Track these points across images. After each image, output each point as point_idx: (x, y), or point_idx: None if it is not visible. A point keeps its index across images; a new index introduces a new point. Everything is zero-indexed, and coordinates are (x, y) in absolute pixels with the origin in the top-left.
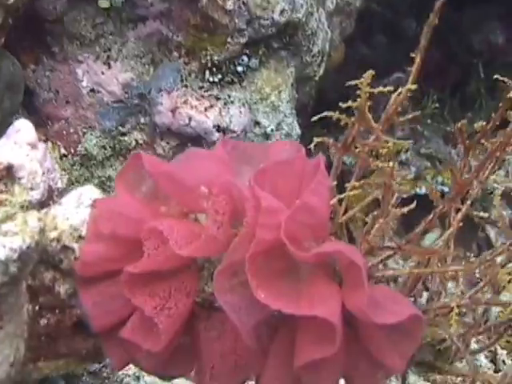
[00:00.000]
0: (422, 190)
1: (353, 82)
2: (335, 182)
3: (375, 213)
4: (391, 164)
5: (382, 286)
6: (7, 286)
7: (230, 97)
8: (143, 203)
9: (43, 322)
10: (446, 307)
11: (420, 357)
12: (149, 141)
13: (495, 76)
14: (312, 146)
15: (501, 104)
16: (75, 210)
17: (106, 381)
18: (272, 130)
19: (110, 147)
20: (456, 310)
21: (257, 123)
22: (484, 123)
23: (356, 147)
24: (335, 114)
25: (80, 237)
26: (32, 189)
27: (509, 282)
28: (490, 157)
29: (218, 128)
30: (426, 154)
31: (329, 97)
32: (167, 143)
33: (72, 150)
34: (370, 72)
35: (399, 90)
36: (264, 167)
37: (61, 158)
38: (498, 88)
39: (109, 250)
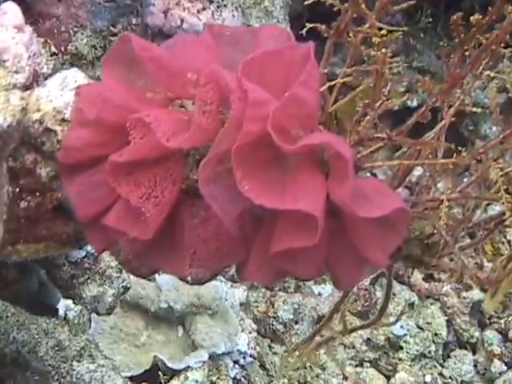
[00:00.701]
0: (414, 103)
1: None
2: (326, 70)
3: (366, 101)
4: (384, 51)
5: (372, 178)
6: None
7: (223, 0)
8: (129, 88)
9: (23, 204)
10: (436, 200)
11: (407, 251)
12: None
13: None
14: (304, 32)
15: None
16: (59, 93)
17: (88, 271)
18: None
19: (100, 47)
20: (445, 203)
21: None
22: (480, 16)
23: (349, 35)
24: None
25: (63, 120)
26: (17, 72)
27: (501, 176)
28: (484, 50)
29: None
30: (418, 68)
31: (323, 9)
32: (158, 44)
33: (62, 49)
34: None
35: None
36: (252, 57)
37: (51, 56)
38: (492, 5)
39: (93, 136)
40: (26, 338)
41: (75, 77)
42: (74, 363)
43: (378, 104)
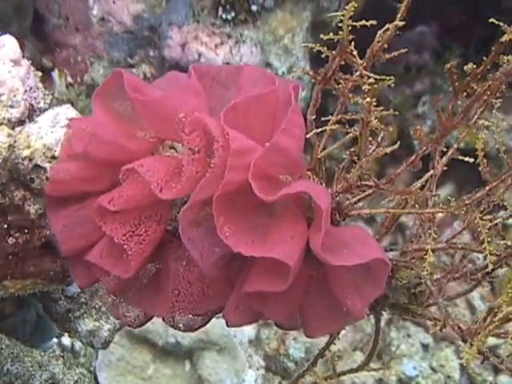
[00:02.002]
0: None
1: (336, 14)
2: (314, 116)
3: (352, 149)
4: (369, 100)
5: (357, 226)
6: None
7: (242, 36)
8: (120, 124)
9: (11, 240)
10: (422, 250)
11: (394, 299)
12: (157, 74)
13: None
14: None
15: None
16: (50, 130)
17: (84, 306)
18: (283, 73)
19: None
20: (431, 254)
21: (268, 64)
22: (474, 66)
23: (338, 82)
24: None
25: (53, 157)
26: (12, 106)
27: (489, 228)
28: (477, 99)
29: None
30: (444, 108)
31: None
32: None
33: (79, 79)
34: (353, 4)
35: (386, 26)
36: (235, 103)
37: (67, 87)
38: None
39: (80, 170)
40: (20, 370)
41: (67, 114)
42: None
43: (369, 152)
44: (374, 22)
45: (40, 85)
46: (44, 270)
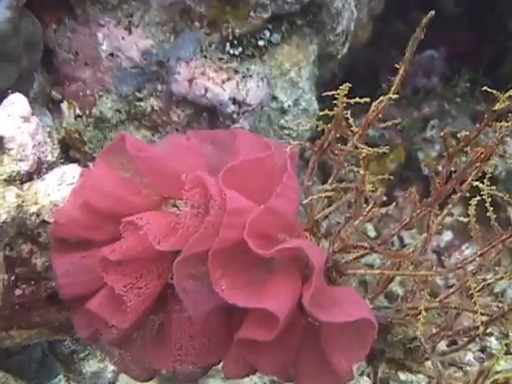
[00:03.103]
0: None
1: (330, 93)
2: (310, 182)
3: (347, 214)
4: (362, 171)
5: (350, 288)
6: None
7: (248, 70)
8: (122, 181)
9: (18, 292)
10: (416, 308)
11: (391, 354)
12: (164, 108)
13: None
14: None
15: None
16: (57, 187)
17: (89, 347)
18: (289, 106)
19: (125, 111)
20: (424, 313)
21: (274, 98)
22: (468, 133)
23: (333, 152)
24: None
25: None
26: (21, 160)
27: (479, 290)
28: (470, 165)
29: (234, 100)
30: (452, 133)
31: (359, 71)
32: (182, 111)
33: (87, 112)
34: (347, 84)
35: (380, 98)
36: (233, 165)
37: (75, 119)
38: None
39: (82, 217)
40: None
41: (73, 172)
42: None
43: (364, 213)
44: (367, 99)
45: (48, 140)
46: (50, 321)
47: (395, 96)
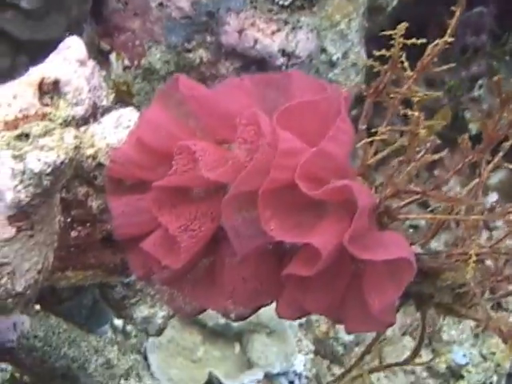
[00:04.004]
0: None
1: (388, 33)
2: (364, 126)
3: (400, 158)
4: (417, 114)
5: (399, 233)
6: (39, 198)
7: (298, 22)
8: (176, 121)
9: (74, 233)
10: (467, 254)
11: (439, 298)
12: (213, 59)
13: None
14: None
15: None
16: (113, 130)
17: (139, 293)
18: (338, 58)
19: (173, 62)
20: (474, 259)
21: (323, 50)
22: None
23: (388, 95)
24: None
25: None
26: (76, 104)
27: None
28: None
29: (284, 52)
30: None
31: (406, 28)
32: (231, 64)
33: (136, 63)
34: (404, 24)
35: (436, 41)
36: (289, 106)
37: (124, 70)
38: None
39: (137, 156)
40: (77, 354)
41: (130, 116)
42: (122, 381)
43: (416, 158)
44: (423, 41)
45: (104, 84)
46: (104, 262)
47: (451, 39)
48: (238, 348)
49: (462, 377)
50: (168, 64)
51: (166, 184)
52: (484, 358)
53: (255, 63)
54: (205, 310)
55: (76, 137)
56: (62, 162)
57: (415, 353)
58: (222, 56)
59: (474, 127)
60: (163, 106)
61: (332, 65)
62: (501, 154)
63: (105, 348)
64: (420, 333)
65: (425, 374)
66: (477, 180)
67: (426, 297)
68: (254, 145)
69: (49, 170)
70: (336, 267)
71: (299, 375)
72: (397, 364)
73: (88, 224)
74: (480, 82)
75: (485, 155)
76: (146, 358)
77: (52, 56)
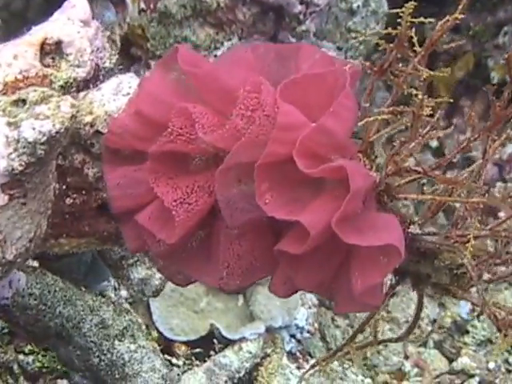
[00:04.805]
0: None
1: (396, 11)
2: (368, 103)
3: (402, 139)
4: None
5: (392, 215)
6: (33, 167)
7: None
8: (175, 92)
9: (69, 201)
10: (466, 236)
11: (436, 278)
12: (230, 5)
13: None
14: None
15: None
16: (112, 97)
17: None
18: (358, 7)
19: (190, 6)
20: (472, 241)
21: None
22: None
23: (392, 73)
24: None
25: None
26: (78, 66)
27: None
28: None
29: (302, 0)
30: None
31: None
32: (248, 9)
33: (151, 6)
34: (412, 3)
35: (446, 18)
36: (293, 79)
37: (139, 13)
38: None
39: (135, 127)
40: (72, 313)
41: (130, 82)
42: (116, 342)
43: (418, 139)
44: (431, 20)
45: (107, 45)
46: (98, 230)
47: (461, 16)
48: (241, 301)
49: (467, 332)
50: (184, 8)
51: (161, 149)
52: None
53: (272, 10)
54: (193, 281)
55: (73, 105)
56: (57, 132)
57: (410, 330)
58: (239, 1)
59: (496, 75)
60: (163, 77)
61: (352, 13)
62: (509, 131)
63: (100, 308)
64: (416, 311)
65: (430, 328)
66: (479, 162)
67: (424, 276)
68: (255, 114)
69: (43, 139)
70: (329, 245)
71: (301, 329)
72: (390, 340)
73: (83, 192)
74: (506, 28)
75: (491, 134)
76: (148, 307)
77: (56, 14)
